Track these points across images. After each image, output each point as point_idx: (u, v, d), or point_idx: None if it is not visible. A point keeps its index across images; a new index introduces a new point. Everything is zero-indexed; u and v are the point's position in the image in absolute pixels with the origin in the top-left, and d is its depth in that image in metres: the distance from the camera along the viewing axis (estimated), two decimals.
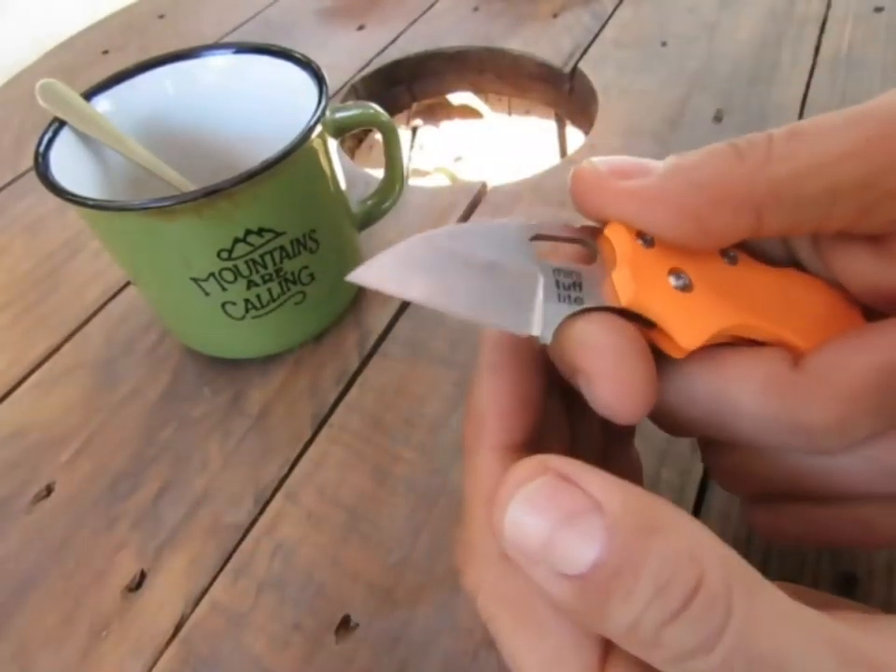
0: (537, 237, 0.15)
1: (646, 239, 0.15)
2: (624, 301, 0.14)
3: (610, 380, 0.13)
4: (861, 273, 0.15)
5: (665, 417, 0.16)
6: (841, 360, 0.14)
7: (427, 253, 0.14)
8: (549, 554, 0.11)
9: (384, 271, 0.14)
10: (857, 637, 0.11)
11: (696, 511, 0.24)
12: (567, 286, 0.15)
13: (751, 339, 0.15)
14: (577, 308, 0.14)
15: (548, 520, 0.11)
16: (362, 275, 0.14)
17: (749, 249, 0.16)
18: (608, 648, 0.13)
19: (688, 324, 0.14)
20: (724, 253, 0.15)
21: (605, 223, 0.15)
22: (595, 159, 0.15)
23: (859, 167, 0.13)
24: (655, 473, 0.25)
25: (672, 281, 0.14)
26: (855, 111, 0.14)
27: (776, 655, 0.11)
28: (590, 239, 0.15)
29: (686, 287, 0.14)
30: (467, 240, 0.15)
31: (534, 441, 0.16)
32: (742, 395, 0.14)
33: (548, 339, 0.14)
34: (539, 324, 0.14)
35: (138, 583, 0.25)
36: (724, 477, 0.18)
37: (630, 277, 0.14)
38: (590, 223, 0.16)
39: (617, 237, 0.15)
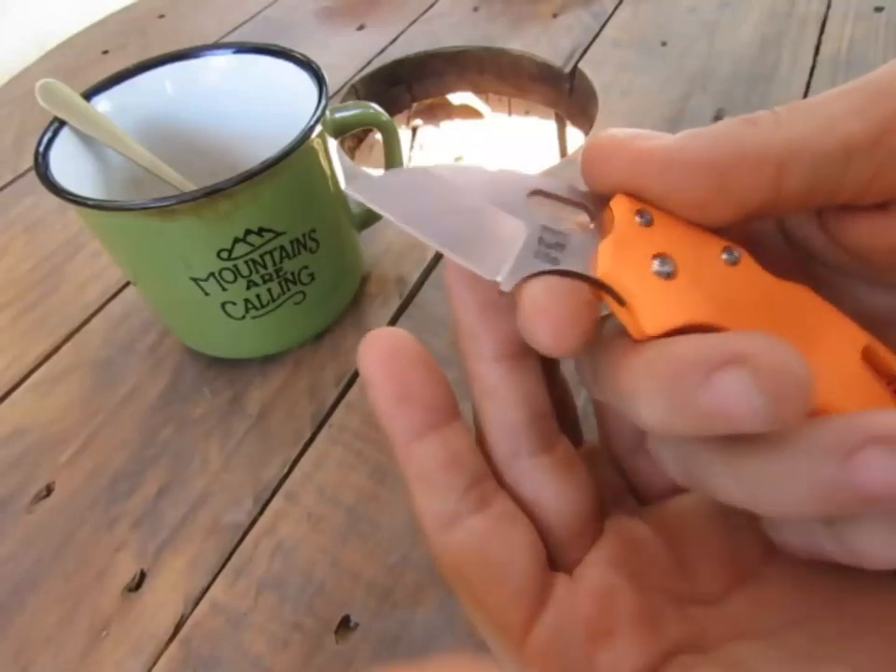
0: (537, 192, 0.15)
1: (645, 217, 0.15)
2: (599, 272, 0.14)
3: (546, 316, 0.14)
4: (870, 235, 0.15)
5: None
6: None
7: (425, 180, 0.15)
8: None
9: (377, 187, 0.15)
10: None
11: None
12: (550, 244, 0.15)
13: None
14: (549, 267, 0.15)
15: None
16: (356, 186, 0.15)
17: (758, 256, 0.16)
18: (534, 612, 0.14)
19: (655, 310, 0.14)
20: (728, 251, 0.15)
21: (612, 195, 0.15)
22: (610, 129, 0.15)
23: (868, 122, 0.14)
24: None
25: (655, 265, 0.14)
26: (857, 80, 0.14)
27: None
28: (592, 205, 0.15)
29: (668, 275, 0.14)
30: (467, 178, 0.15)
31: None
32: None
33: (508, 288, 0.14)
34: (505, 272, 0.15)
35: (138, 583, 0.25)
36: None
37: (611, 251, 0.14)
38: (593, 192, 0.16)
39: (618, 209, 0.15)
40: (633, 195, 0.15)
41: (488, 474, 0.16)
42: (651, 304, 0.14)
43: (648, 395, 0.12)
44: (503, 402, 0.16)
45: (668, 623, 0.15)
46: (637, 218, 0.15)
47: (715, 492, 0.13)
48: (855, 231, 0.15)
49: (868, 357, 0.15)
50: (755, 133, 0.14)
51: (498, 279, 0.15)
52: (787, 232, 0.17)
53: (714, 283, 0.14)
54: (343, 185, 0.15)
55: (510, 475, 0.16)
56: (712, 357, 0.12)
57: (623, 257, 0.14)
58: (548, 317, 0.14)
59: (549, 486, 0.16)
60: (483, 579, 0.15)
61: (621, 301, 0.15)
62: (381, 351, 0.15)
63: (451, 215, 0.15)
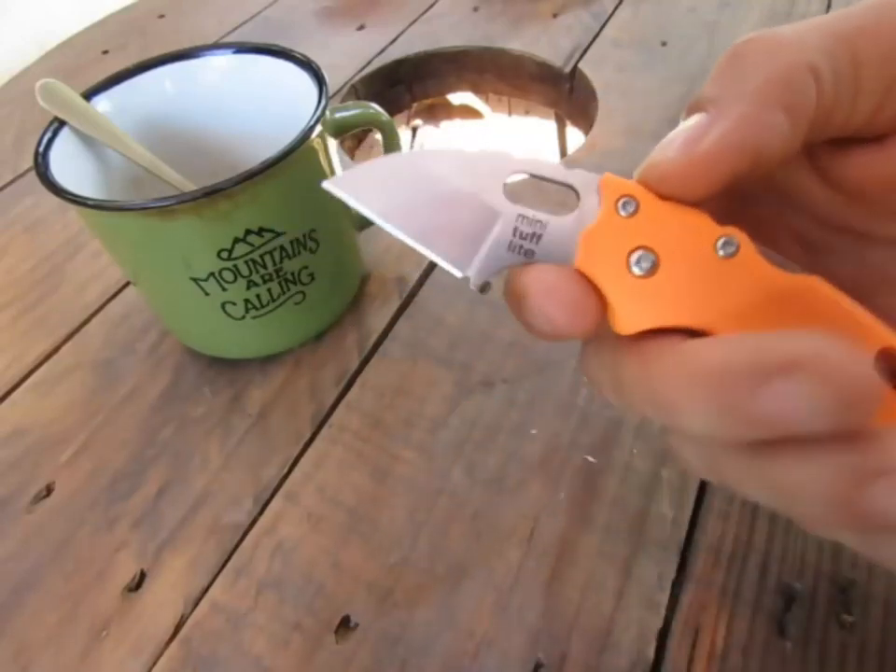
0: (520, 173, 0.15)
1: (628, 207, 0.14)
2: (576, 264, 0.14)
3: (550, 294, 0.14)
4: (864, 169, 0.15)
5: None
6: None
7: (403, 171, 0.15)
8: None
9: (356, 182, 0.15)
10: None
11: (696, 512, 0.24)
12: (525, 235, 0.14)
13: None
14: (522, 261, 0.14)
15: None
16: (335, 183, 0.15)
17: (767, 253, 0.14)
18: None
19: (628, 310, 0.14)
20: (725, 241, 0.14)
21: (603, 174, 0.15)
22: (657, 155, 0.14)
23: (876, 42, 0.14)
24: (655, 473, 0.25)
25: (633, 260, 0.14)
26: (852, 8, 0.14)
27: None
28: (579, 184, 0.15)
29: (647, 270, 0.14)
30: (448, 163, 0.15)
31: None
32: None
33: (476, 284, 0.14)
34: (475, 268, 0.14)
35: (138, 583, 0.25)
36: None
37: (587, 245, 0.14)
38: (582, 170, 0.15)
39: (604, 193, 0.14)
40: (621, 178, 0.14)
41: None
42: (624, 304, 0.14)
43: (693, 406, 0.12)
44: None
45: None
46: (620, 209, 0.14)
47: (741, 490, 0.13)
48: (848, 166, 0.15)
49: (887, 359, 0.13)
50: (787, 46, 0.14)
51: (469, 274, 0.14)
52: (780, 189, 0.17)
53: (702, 279, 0.14)
54: (322, 182, 0.15)
55: None
56: (766, 364, 0.11)
57: (599, 251, 0.14)
58: (559, 297, 0.13)
59: None
60: None
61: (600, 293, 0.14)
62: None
63: (426, 207, 0.14)
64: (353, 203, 0.15)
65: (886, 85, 0.14)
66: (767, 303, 0.13)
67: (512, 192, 0.15)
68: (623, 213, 0.14)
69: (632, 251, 0.14)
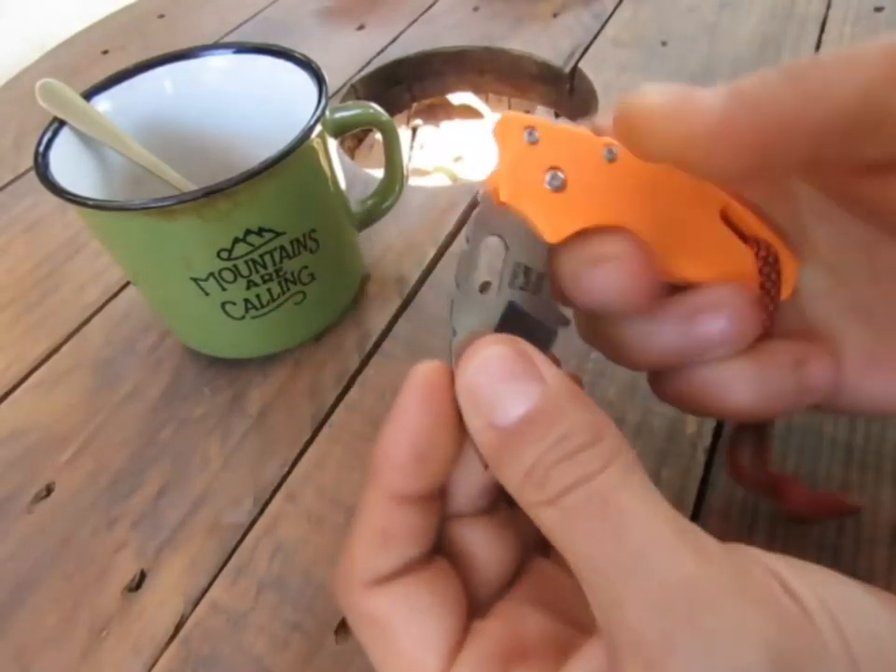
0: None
1: (532, 136, 0.16)
2: (502, 198, 0.16)
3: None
4: None
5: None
6: None
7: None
8: (490, 405, 0.15)
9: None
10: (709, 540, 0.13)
11: (697, 510, 0.24)
12: (520, 282, 0.17)
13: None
14: (529, 287, 0.17)
15: (498, 379, 0.15)
16: None
17: None
18: (451, 657, 0.15)
19: (552, 222, 0.16)
20: (608, 149, 0.16)
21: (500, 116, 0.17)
22: (643, 93, 0.15)
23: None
24: (655, 473, 0.25)
25: (547, 180, 0.16)
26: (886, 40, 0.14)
27: (621, 512, 0.13)
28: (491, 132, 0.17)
29: (559, 187, 0.16)
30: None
31: (433, 498, 0.17)
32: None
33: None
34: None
35: (138, 583, 0.25)
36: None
37: (508, 175, 0.16)
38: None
39: (505, 135, 0.16)
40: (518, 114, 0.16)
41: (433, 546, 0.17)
42: (548, 217, 0.16)
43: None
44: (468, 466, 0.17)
45: (578, 645, 0.15)
46: (526, 137, 0.16)
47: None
48: (884, 188, 0.15)
49: (725, 217, 0.18)
50: (798, 99, 0.13)
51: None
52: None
53: (598, 183, 0.17)
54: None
55: (452, 531, 0.17)
56: (589, 259, 0.16)
57: (516, 180, 0.16)
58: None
59: (483, 546, 0.17)
60: (403, 632, 0.15)
61: (524, 216, 0.16)
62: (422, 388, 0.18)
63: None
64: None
65: None
66: (645, 189, 0.17)
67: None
68: (528, 140, 0.16)
69: (547, 170, 0.16)
